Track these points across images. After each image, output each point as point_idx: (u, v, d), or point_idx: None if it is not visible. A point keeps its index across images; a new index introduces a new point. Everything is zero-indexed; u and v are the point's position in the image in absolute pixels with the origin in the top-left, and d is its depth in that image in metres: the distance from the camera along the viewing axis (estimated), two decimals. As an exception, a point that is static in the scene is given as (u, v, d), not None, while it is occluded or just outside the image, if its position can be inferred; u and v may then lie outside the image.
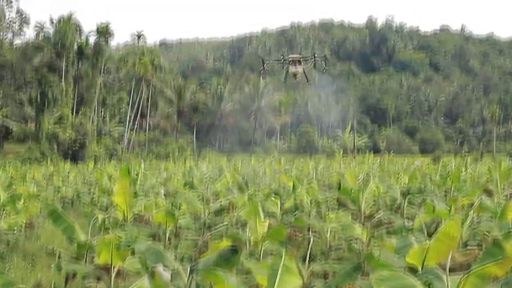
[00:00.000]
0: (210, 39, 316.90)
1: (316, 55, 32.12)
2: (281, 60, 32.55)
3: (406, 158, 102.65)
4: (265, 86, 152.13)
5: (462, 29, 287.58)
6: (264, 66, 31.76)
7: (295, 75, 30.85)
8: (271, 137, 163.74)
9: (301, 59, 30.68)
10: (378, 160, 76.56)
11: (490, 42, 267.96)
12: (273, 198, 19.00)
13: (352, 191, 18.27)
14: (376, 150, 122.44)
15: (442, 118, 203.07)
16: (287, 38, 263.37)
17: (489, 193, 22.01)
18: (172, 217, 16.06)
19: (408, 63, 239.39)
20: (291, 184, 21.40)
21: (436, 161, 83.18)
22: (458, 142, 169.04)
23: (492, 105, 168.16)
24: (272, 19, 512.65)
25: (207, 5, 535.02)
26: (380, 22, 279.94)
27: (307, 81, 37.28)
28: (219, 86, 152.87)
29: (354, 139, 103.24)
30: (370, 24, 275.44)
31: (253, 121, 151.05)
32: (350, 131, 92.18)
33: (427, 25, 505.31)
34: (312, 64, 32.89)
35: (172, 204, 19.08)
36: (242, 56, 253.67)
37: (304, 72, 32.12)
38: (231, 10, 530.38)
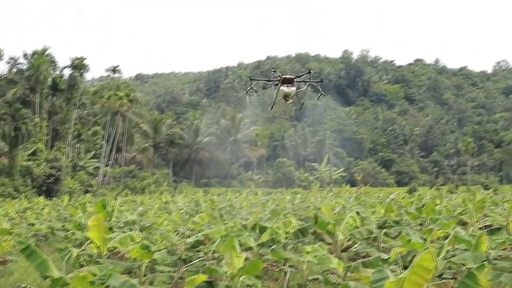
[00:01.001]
0: (186, 73, 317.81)
1: (310, 77, 29.89)
2: (271, 80, 30.25)
3: (382, 190, 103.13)
4: (241, 119, 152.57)
5: (436, 62, 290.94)
6: (252, 85, 29.55)
7: (286, 97, 28.50)
8: (248, 170, 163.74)
9: (295, 80, 28.80)
10: (354, 193, 76.82)
11: (463, 74, 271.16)
12: (249, 232, 18.95)
13: (329, 224, 18.28)
14: (352, 183, 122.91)
15: (417, 150, 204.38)
16: (263, 71, 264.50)
17: (464, 224, 22.16)
18: (147, 252, 15.93)
19: (383, 96, 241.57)
20: (268, 217, 21.37)
21: (412, 193, 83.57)
22: (434, 174, 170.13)
23: (466, 137, 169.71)
24: (248, 53, 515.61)
25: (183, 39, 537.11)
26: (355, 55, 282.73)
27: (300, 105, 34.58)
28: (195, 120, 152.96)
29: (330, 171, 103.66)
30: (346, 57, 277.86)
31: (229, 154, 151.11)
32: (326, 164, 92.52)
33: (402, 58, 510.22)
34: (307, 87, 31.04)
35: (147, 239, 18.95)
36: (218, 89, 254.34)
37: (297, 95, 30.19)
38: (206, 44, 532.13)
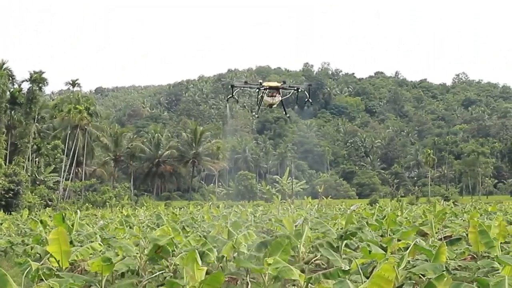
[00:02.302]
0: (146, 86, 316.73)
1: (297, 87, 27.42)
2: (253, 86, 27.65)
3: (343, 202, 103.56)
4: (202, 132, 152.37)
5: (396, 74, 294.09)
6: (233, 92, 27.38)
7: (271, 105, 26.84)
8: (210, 183, 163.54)
9: (280, 88, 26.69)
10: (316, 205, 76.96)
11: (423, 87, 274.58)
12: (211, 244, 18.89)
13: (290, 236, 18.28)
14: (314, 195, 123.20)
15: (378, 162, 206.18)
16: (224, 84, 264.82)
17: (424, 235, 22.32)
18: (108, 265, 15.77)
19: (344, 108, 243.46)
20: (229, 229, 21.30)
21: (373, 204, 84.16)
22: (394, 186, 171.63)
23: (426, 149, 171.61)
24: (209, 66, 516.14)
25: (143, 52, 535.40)
26: (316, 68, 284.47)
27: (285, 114, 32.39)
28: (156, 133, 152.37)
29: (292, 184, 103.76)
30: (306, 69, 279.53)
31: (191, 168, 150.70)
32: (288, 176, 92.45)
33: (362, 71, 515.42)
34: (293, 94, 28.61)
35: (108, 252, 18.78)
36: (179, 103, 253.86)
37: (282, 103, 28.01)
38: (167, 57, 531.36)
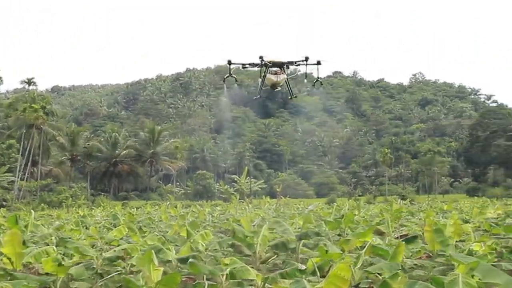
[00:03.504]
0: (104, 85, 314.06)
1: (307, 60, 22.65)
2: (256, 64, 23.31)
3: (301, 201, 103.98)
4: (160, 132, 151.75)
5: (354, 74, 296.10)
6: (231, 71, 22.96)
7: (274, 85, 22.96)
8: (168, 182, 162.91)
9: (285, 65, 22.90)
10: (274, 204, 77.16)
11: (380, 86, 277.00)
12: (167, 245, 18.76)
13: (247, 236, 18.25)
14: (272, 194, 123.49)
15: (336, 161, 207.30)
16: (182, 83, 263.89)
17: (381, 234, 22.45)
18: (62, 267, 15.55)
19: (303, 108, 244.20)
20: (186, 230, 21.18)
21: (331, 204, 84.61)
22: (352, 185, 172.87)
23: (383, 148, 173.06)
24: (167, 65, 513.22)
25: (100, 51, 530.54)
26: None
27: (291, 96, 27.15)
28: (113, 132, 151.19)
29: (250, 183, 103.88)
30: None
31: (148, 167, 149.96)
32: (246, 176, 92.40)
33: (321, 70, 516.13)
34: (303, 74, 24.82)
35: (63, 253, 18.54)
36: (137, 102, 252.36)
37: (287, 82, 24.20)
38: (125, 56, 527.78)
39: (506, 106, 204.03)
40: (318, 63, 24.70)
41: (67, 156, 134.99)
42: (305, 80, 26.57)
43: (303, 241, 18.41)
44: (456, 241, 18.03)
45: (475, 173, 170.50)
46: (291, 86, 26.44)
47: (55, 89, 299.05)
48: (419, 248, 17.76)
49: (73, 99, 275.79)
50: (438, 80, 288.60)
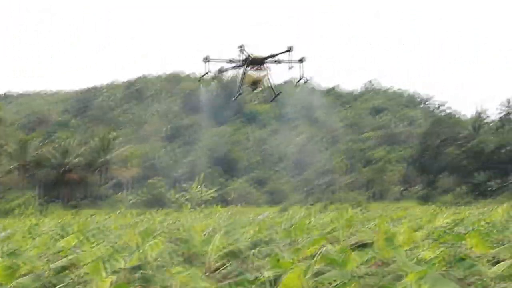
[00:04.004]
0: (56, 92, 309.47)
1: (291, 50, 20.73)
2: (234, 61, 21.47)
3: (255, 209, 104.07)
4: (114, 139, 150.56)
5: (307, 81, 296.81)
6: (207, 68, 21.25)
7: (255, 84, 21.50)
8: (119, 191, 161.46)
9: (266, 61, 21.21)
10: (227, 212, 77.08)
11: (334, 94, 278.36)
12: (118, 254, 18.52)
13: (199, 245, 18.13)
14: (225, 202, 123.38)
15: (289, 169, 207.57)
16: (135, 90, 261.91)
17: (333, 242, 22.50)
18: (9, 277, 15.24)
19: (257, 115, 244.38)
20: (136, 240, 20.97)
21: (284, 212, 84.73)
22: (305, 193, 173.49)
23: (337, 156, 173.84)
24: (120, 72, 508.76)
25: (52, 57, 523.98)
26: (230, 74, 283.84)
27: (274, 95, 24.72)
28: (64, 140, 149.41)
29: (202, 192, 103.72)
30: (218, 76, 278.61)
31: (100, 175, 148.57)
32: (198, 184, 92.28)
33: (274, 77, 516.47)
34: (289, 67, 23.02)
35: (11, 264, 18.17)
36: (89, 109, 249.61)
37: (269, 81, 22.53)
38: (77, 62, 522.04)
39: (455, 115, 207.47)
40: (302, 60, 23.59)
41: (17, 164, 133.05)
42: (289, 70, 24.69)
43: (254, 250, 18.36)
44: (407, 249, 18.15)
45: (426, 181, 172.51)
46: (272, 84, 25.00)
47: (4, 96, 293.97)
48: (371, 256, 17.84)
49: (23, 106, 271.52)
50: (389, 88, 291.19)
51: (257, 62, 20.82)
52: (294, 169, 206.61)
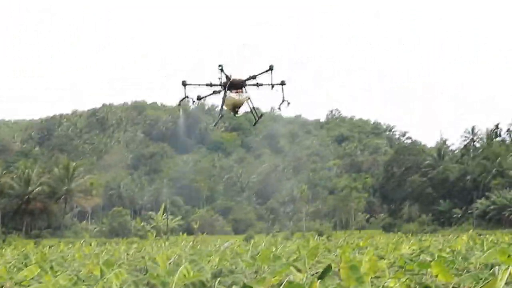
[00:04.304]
0: (17, 120, 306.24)
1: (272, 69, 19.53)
2: (214, 84, 20.25)
3: (219, 238, 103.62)
4: (75, 168, 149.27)
5: (272, 110, 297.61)
6: (186, 93, 20.04)
7: (235, 108, 20.48)
8: (83, 220, 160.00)
9: (246, 83, 20.12)
10: (191, 241, 76.69)
11: (298, 122, 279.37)
12: (80, 285, 18.25)
13: (163, 274, 17.94)
14: (190, 231, 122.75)
15: (254, 197, 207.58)
16: (98, 119, 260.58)
17: (298, 271, 22.40)
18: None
19: (221, 144, 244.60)
20: (100, 269, 20.69)
21: (248, 240, 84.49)
22: (270, 221, 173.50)
23: (301, 184, 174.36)
24: (83, 100, 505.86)
25: (12, 85, 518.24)
26: (192, 103, 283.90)
27: (255, 120, 23.40)
28: (26, 169, 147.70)
29: (167, 220, 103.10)
30: (182, 104, 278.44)
31: (63, 204, 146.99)
32: (163, 213, 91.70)
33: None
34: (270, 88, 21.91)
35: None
36: (52, 138, 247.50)
37: (250, 103, 21.38)
38: (39, 91, 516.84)
39: (420, 143, 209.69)
40: (283, 83, 23.04)
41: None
42: (271, 89, 23.94)
43: (219, 279, 18.22)
44: (372, 278, 18.12)
45: (390, 209, 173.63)
46: (254, 108, 24.45)
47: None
48: (335, 285, 17.77)
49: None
50: (354, 116, 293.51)
51: (237, 85, 20.21)
52: (259, 197, 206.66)
